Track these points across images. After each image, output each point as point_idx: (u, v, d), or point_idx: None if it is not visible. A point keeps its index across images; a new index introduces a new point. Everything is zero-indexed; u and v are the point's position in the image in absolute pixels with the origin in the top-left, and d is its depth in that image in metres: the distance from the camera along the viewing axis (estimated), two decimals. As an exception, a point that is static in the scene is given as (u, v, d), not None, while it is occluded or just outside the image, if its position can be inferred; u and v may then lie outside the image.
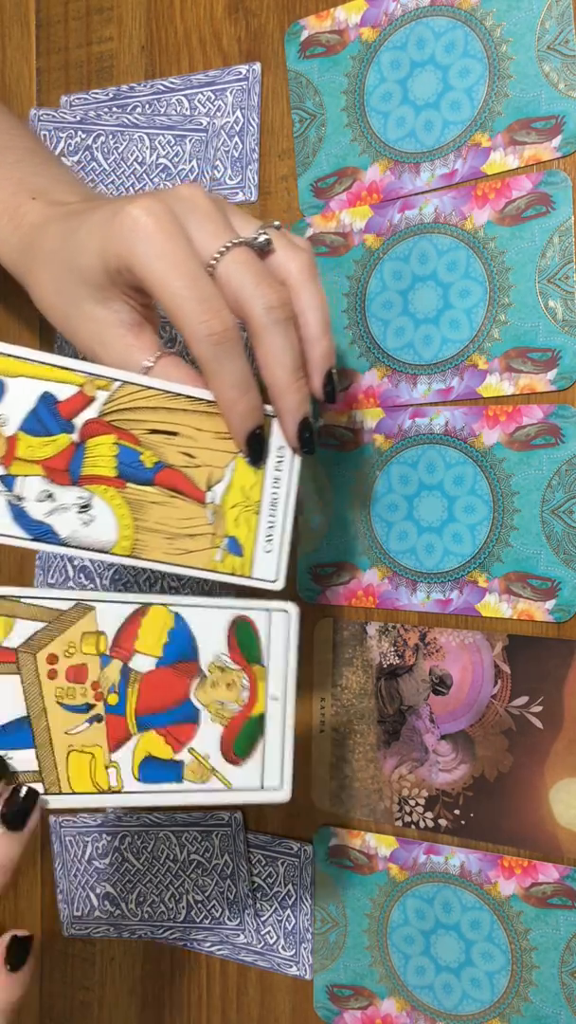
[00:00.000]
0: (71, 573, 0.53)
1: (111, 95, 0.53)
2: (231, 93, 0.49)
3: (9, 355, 0.32)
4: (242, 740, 0.34)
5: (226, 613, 0.34)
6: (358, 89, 0.46)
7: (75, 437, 0.33)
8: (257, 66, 0.49)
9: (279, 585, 0.35)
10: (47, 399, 0.33)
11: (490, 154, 0.42)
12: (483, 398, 0.43)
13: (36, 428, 0.32)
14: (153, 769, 0.32)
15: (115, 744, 0.32)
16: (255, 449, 0.35)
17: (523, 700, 0.42)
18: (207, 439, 0.35)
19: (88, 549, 0.33)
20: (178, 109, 0.51)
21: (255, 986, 0.49)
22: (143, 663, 0.33)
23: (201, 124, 0.50)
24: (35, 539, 0.32)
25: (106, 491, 0.33)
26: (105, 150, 0.52)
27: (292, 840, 0.48)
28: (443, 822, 0.43)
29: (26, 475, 0.32)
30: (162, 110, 0.51)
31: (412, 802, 0.44)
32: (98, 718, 0.32)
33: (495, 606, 0.42)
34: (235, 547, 0.35)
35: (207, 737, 0.33)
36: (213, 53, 0.50)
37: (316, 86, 0.47)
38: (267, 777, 0.34)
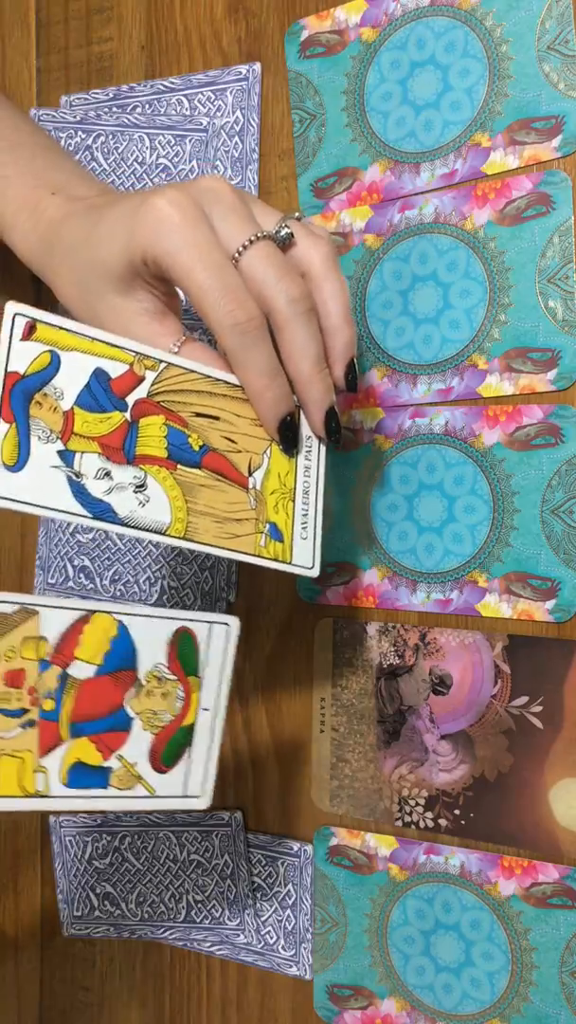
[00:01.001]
0: (71, 573, 0.53)
1: (111, 95, 0.53)
2: (231, 93, 0.49)
3: (62, 328, 0.32)
4: (170, 749, 0.34)
5: (169, 624, 0.34)
6: (358, 89, 0.46)
7: (128, 416, 0.33)
8: (257, 66, 0.49)
9: (315, 572, 0.36)
10: (100, 375, 0.32)
11: (490, 154, 0.42)
12: (483, 398, 0.43)
13: (91, 404, 0.32)
14: (81, 775, 0.32)
15: (46, 749, 0.32)
16: (287, 436, 0.35)
17: (523, 700, 0.42)
18: (245, 425, 0.35)
19: (145, 530, 0.33)
20: (178, 109, 0.51)
21: (255, 986, 0.49)
22: (82, 670, 0.32)
23: (201, 124, 0.50)
24: (95, 517, 0.32)
25: (159, 472, 0.33)
26: (105, 150, 0.52)
27: (292, 840, 0.48)
28: (443, 822, 0.43)
29: (84, 451, 0.32)
30: (162, 110, 0.51)
31: (412, 802, 0.44)
32: (31, 723, 0.32)
33: (495, 606, 0.42)
34: (276, 533, 0.35)
35: (137, 745, 0.33)
36: (213, 53, 0.50)
37: (316, 86, 0.47)
38: (189, 786, 0.34)
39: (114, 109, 0.52)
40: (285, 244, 0.35)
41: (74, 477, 0.32)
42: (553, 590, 0.41)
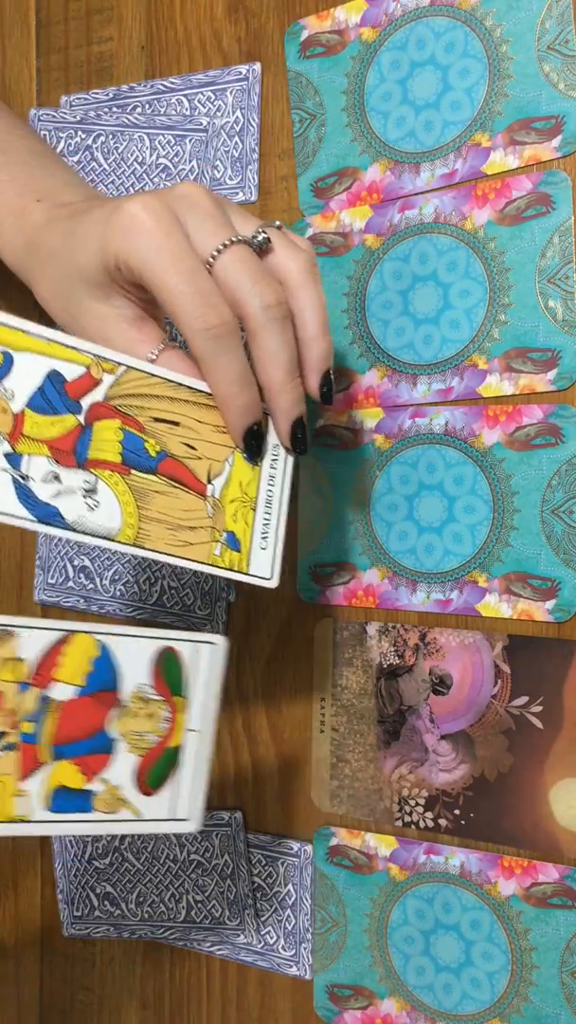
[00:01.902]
0: (71, 573, 0.53)
1: (111, 95, 0.53)
2: (231, 93, 0.49)
3: (16, 328, 0.31)
4: (157, 771, 0.33)
5: (153, 643, 0.33)
6: (358, 89, 0.46)
7: (82, 419, 0.32)
8: (257, 66, 0.49)
9: (274, 583, 0.35)
10: (55, 377, 0.32)
11: (490, 154, 0.42)
12: (483, 398, 0.43)
13: (43, 406, 0.32)
14: (63, 799, 0.32)
15: (27, 773, 0.31)
16: (252, 445, 0.34)
17: (523, 700, 0.42)
18: (207, 432, 0.34)
19: (92, 535, 0.32)
20: (178, 109, 0.51)
21: (255, 986, 0.49)
22: (63, 692, 0.32)
23: (201, 124, 0.50)
24: (41, 521, 0.31)
25: (111, 477, 0.32)
26: (105, 150, 0.52)
27: (292, 840, 0.48)
28: (443, 822, 0.43)
29: (32, 454, 0.31)
30: (162, 110, 0.51)
31: (412, 802, 0.44)
32: (11, 747, 0.31)
33: (495, 606, 0.42)
34: (233, 542, 0.35)
35: (121, 767, 0.33)
36: (213, 53, 0.50)
37: (316, 86, 0.47)
38: (178, 809, 0.34)
39: (114, 109, 0.52)
40: (262, 250, 0.35)
41: (20, 480, 0.31)
42: (553, 590, 0.41)
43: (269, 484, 0.35)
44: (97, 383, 0.32)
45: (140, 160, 0.51)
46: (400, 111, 0.45)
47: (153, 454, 0.33)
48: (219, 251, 0.33)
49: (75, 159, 0.53)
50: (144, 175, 0.51)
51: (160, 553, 0.33)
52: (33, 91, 0.56)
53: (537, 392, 0.41)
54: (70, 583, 0.53)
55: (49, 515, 0.32)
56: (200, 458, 0.34)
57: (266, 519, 0.35)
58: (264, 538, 0.35)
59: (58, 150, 0.53)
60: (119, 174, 0.52)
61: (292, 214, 0.48)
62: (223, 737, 0.50)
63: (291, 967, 0.48)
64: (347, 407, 0.46)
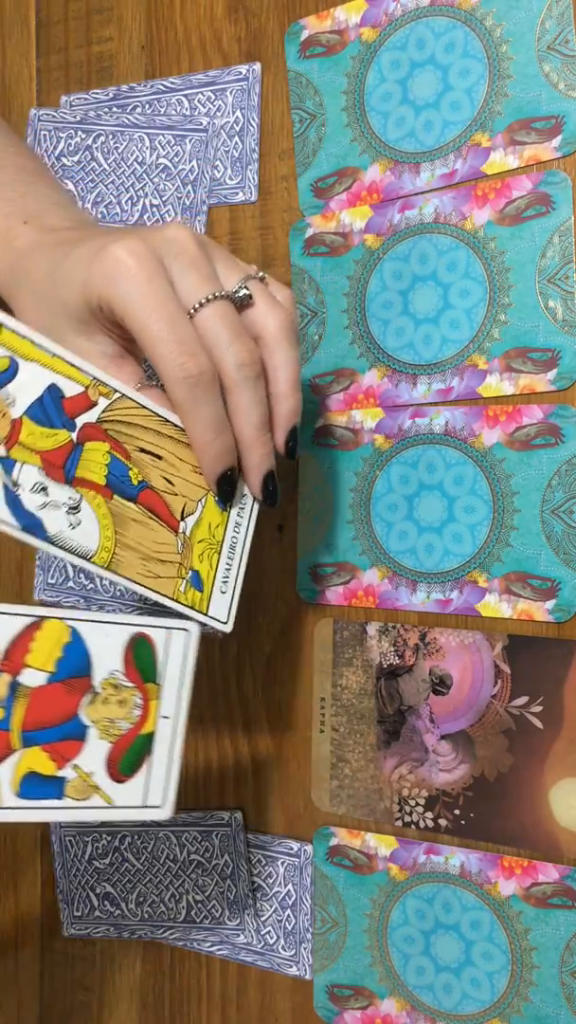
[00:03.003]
0: (71, 573, 0.53)
1: (111, 95, 0.53)
2: (231, 93, 0.49)
3: (26, 337, 0.32)
4: (129, 758, 0.33)
5: (125, 630, 0.33)
6: (358, 89, 0.46)
7: (74, 436, 0.33)
8: (257, 66, 0.49)
9: (228, 628, 0.36)
10: (54, 391, 0.32)
11: (490, 154, 0.42)
12: (483, 398, 0.43)
13: (41, 417, 0.32)
14: (34, 785, 0.32)
15: None
16: (224, 490, 0.36)
17: (523, 700, 0.42)
18: (186, 470, 0.35)
19: (70, 552, 0.32)
20: (178, 109, 0.51)
21: (255, 986, 0.49)
22: (33, 678, 0.32)
23: (201, 124, 0.50)
24: (24, 529, 0.32)
25: (95, 498, 0.33)
26: (105, 150, 0.52)
27: (292, 840, 0.48)
28: (443, 822, 0.43)
29: (25, 462, 0.32)
30: (162, 110, 0.51)
31: (412, 802, 0.44)
32: None
33: (495, 606, 0.42)
34: (197, 582, 0.35)
35: (93, 754, 0.33)
36: (213, 53, 0.50)
37: (316, 86, 0.47)
38: (150, 795, 0.34)
39: (114, 109, 0.52)
40: (243, 304, 0.35)
41: (10, 486, 0.32)
42: (553, 590, 0.41)
43: (235, 530, 0.37)
44: (93, 404, 0.33)
45: (140, 160, 0.51)
46: (400, 111, 0.45)
47: (135, 483, 0.34)
48: (201, 304, 0.34)
49: (75, 159, 0.53)
50: (144, 175, 0.51)
51: (131, 581, 0.34)
52: (33, 91, 0.56)
53: (537, 392, 0.41)
54: (70, 583, 0.53)
55: (33, 525, 0.32)
56: (177, 494, 0.35)
57: (228, 564, 0.36)
58: (224, 582, 0.36)
59: (58, 150, 0.53)
60: (119, 174, 0.52)
61: (292, 214, 0.48)
62: (223, 737, 0.50)
63: (291, 967, 0.48)
64: (347, 407, 0.46)
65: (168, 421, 0.35)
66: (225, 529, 0.36)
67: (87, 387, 0.33)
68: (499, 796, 0.42)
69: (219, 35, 0.50)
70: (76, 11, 0.55)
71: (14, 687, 0.32)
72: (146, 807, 0.34)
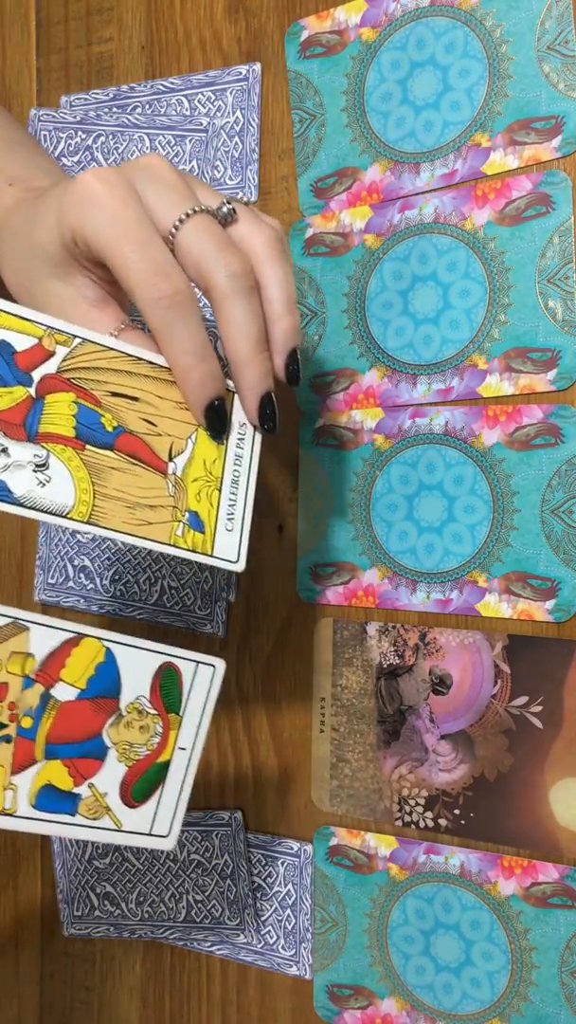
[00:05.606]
0: (71, 573, 0.53)
1: (111, 95, 0.53)
2: (231, 93, 0.49)
3: None
4: (142, 784, 0.33)
5: (156, 657, 0.33)
6: (358, 89, 0.46)
7: (32, 391, 0.31)
8: (257, 66, 0.49)
9: (240, 566, 0.34)
10: (4, 347, 0.31)
11: (490, 154, 0.42)
12: (483, 398, 0.43)
13: None
14: (49, 798, 0.32)
15: (19, 767, 0.31)
16: (214, 421, 0.33)
17: (523, 700, 0.42)
18: (169, 408, 0.33)
19: (44, 512, 0.31)
20: (178, 109, 0.51)
21: (255, 986, 0.49)
22: (65, 692, 0.32)
23: (201, 124, 0.50)
24: None
25: (64, 451, 0.31)
26: (105, 150, 0.52)
27: (292, 840, 0.48)
28: (443, 822, 0.43)
29: None
30: (162, 110, 0.51)
31: (412, 802, 0.44)
32: (7, 739, 0.31)
33: (495, 606, 0.42)
34: (197, 523, 0.33)
35: (110, 775, 0.33)
36: (213, 53, 0.50)
37: (316, 86, 0.47)
38: (157, 824, 0.33)
39: (114, 109, 0.52)
40: (227, 222, 0.33)
41: None
42: (553, 590, 0.41)
43: (236, 464, 0.34)
44: (50, 355, 0.31)
45: (140, 160, 0.51)
46: (400, 111, 0.45)
47: (110, 429, 0.32)
48: (181, 221, 0.32)
49: (75, 159, 0.53)
50: (144, 175, 0.51)
51: (117, 532, 0.32)
52: (33, 91, 0.56)
53: (537, 392, 0.41)
54: (70, 583, 0.53)
55: None
56: (161, 435, 0.33)
57: (232, 500, 0.34)
58: (230, 519, 0.34)
59: (58, 150, 0.53)
60: (119, 174, 0.52)
61: (292, 214, 0.48)
62: (223, 737, 0.50)
63: (291, 967, 0.48)
64: (347, 407, 0.46)
65: (141, 359, 0.33)
66: (224, 464, 0.34)
67: (41, 338, 0.31)
68: (499, 796, 0.42)
69: (219, 35, 0.50)
70: (76, 11, 0.55)
71: (45, 699, 0.32)
72: (152, 835, 0.34)
